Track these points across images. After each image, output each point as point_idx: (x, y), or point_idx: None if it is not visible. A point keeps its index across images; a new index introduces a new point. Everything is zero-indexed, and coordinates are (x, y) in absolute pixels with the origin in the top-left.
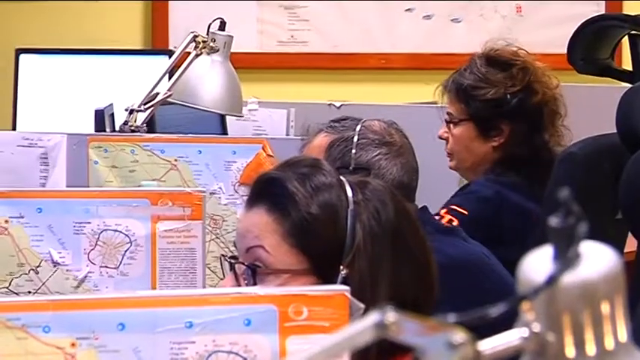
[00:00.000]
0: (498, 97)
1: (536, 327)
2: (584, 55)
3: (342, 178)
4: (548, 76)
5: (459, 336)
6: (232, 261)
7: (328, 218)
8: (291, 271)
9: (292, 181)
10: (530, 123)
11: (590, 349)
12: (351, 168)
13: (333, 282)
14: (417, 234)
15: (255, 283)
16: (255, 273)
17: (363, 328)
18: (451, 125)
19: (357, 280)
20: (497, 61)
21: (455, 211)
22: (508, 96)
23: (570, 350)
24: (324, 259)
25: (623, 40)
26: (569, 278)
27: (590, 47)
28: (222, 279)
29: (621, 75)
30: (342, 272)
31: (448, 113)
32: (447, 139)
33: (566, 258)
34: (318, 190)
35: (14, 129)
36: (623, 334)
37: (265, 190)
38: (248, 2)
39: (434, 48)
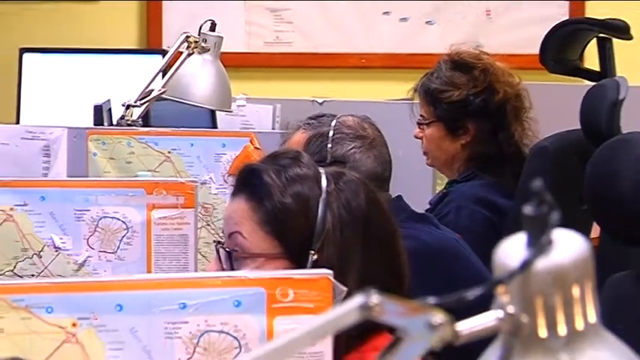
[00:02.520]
0: (462, 98)
1: (511, 309)
2: (555, 56)
3: (319, 169)
4: (510, 75)
5: (439, 317)
6: (218, 246)
7: (300, 207)
8: (266, 255)
9: (269, 173)
10: (494, 120)
11: (562, 329)
12: (328, 161)
13: (305, 266)
14: (388, 223)
15: (232, 266)
16: (232, 256)
17: (348, 309)
18: (423, 126)
19: (326, 264)
20: (461, 65)
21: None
22: (471, 97)
23: (543, 331)
24: (296, 245)
25: (592, 41)
26: (542, 263)
27: (560, 49)
28: None
29: (590, 75)
30: (313, 257)
31: (420, 115)
32: (421, 139)
33: (539, 244)
34: (293, 181)
35: (18, 123)
36: (592, 316)
37: (245, 181)
38: (236, 5)
39: (409, 48)
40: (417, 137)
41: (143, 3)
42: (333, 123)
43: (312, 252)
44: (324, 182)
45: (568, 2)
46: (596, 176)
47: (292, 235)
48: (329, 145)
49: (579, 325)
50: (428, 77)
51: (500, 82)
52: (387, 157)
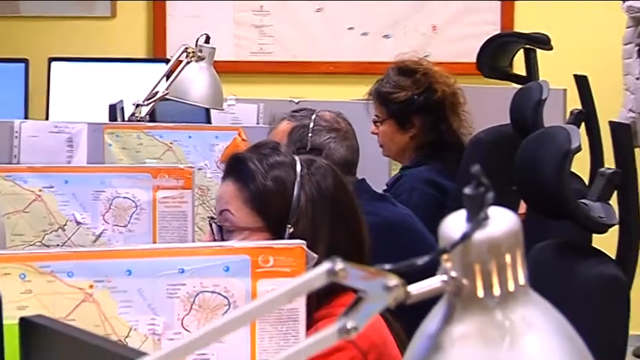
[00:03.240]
0: (408, 98)
1: (454, 273)
2: (489, 64)
3: (295, 157)
4: (446, 77)
5: (393, 280)
6: (211, 221)
7: (278, 189)
8: (250, 229)
9: (253, 160)
10: (435, 114)
11: (496, 290)
12: (307, 149)
13: (282, 237)
14: (352, 202)
15: (222, 238)
16: (222, 229)
17: (318, 273)
18: (378, 124)
19: (300, 236)
20: (405, 71)
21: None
22: (415, 96)
23: (480, 292)
24: (275, 220)
25: (519, 51)
26: (479, 235)
27: (493, 58)
28: None
29: (518, 79)
30: (289, 230)
31: (375, 115)
32: (377, 134)
33: (476, 219)
34: (272, 167)
35: (47, 119)
36: (521, 278)
37: (233, 167)
38: (227, 22)
39: (370, 58)
40: (373, 133)
41: (150, 20)
42: (313, 116)
43: (289, 226)
44: (298, 168)
45: (500, 18)
46: (523, 162)
47: (272, 211)
48: (309, 135)
49: (511, 286)
50: (379, 83)
51: (439, 82)
52: (356, 146)
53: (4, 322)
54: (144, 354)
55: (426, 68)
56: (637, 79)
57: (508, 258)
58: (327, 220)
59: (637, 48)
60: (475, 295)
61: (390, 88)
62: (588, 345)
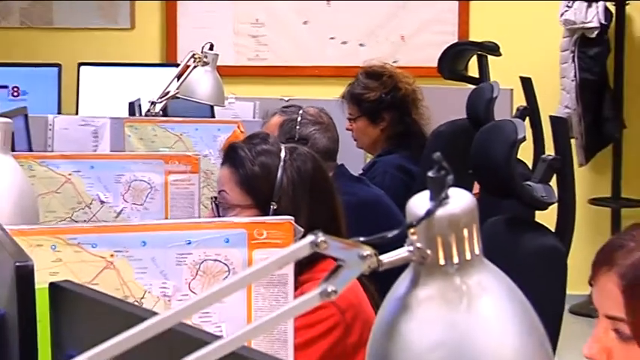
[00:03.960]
0: (377, 97)
1: (419, 245)
2: (448, 68)
3: (280, 145)
4: (407, 77)
5: (367, 250)
6: (213, 200)
7: (264, 173)
8: (241, 206)
9: (243, 149)
10: (401, 109)
11: (455, 259)
12: (295, 139)
13: (268, 214)
14: (329, 184)
15: (219, 214)
16: (219, 207)
17: (302, 244)
18: (352, 121)
19: (282, 212)
20: (372, 74)
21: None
22: (383, 95)
23: (442, 260)
24: (262, 199)
25: (473, 57)
26: (441, 212)
27: (452, 62)
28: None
29: (472, 80)
30: (273, 207)
31: (349, 113)
32: (352, 130)
33: (438, 198)
34: (259, 154)
35: (77, 114)
36: (477, 249)
37: (228, 154)
38: (228, 32)
39: (348, 63)
40: (348, 129)
41: (163, 31)
42: (300, 112)
43: (273, 204)
44: (282, 155)
45: (457, 30)
46: (477, 150)
47: (258, 191)
48: (297, 127)
49: (468, 256)
50: (351, 86)
51: (402, 82)
52: (336, 137)
53: (37, 286)
54: (156, 313)
55: (391, 71)
56: (572, 80)
57: (465, 232)
58: (307, 198)
59: (572, 55)
60: (437, 263)
61: (361, 90)
62: (533, 305)
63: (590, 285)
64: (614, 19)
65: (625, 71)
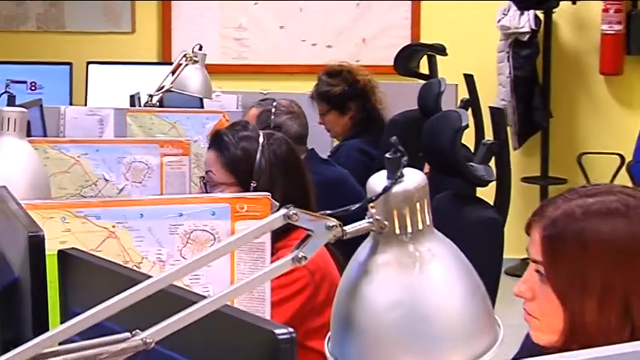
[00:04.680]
0: (340, 91)
1: (378, 217)
2: (402, 66)
3: (259, 132)
4: (361, 70)
5: (333, 222)
6: (201, 179)
7: (245, 155)
8: (225, 184)
9: (227, 135)
10: (362, 98)
11: (409, 229)
12: (271, 126)
13: (249, 190)
14: (300, 165)
15: (206, 191)
16: (206, 185)
17: (277, 216)
18: (323, 116)
19: (261, 189)
20: (333, 73)
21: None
22: (346, 88)
23: (397, 230)
24: (243, 178)
25: (424, 57)
26: (397, 189)
27: (406, 61)
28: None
29: (423, 76)
30: (253, 184)
31: (319, 109)
32: (324, 124)
33: (394, 177)
34: (241, 140)
35: (85, 105)
36: (428, 220)
37: (214, 140)
38: (215, 35)
39: (318, 62)
40: (320, 123)
41: (160, 34)
42: (274, 103)
43: (253, 182)
44: (261, 140)
45: (410, 33)
46: (428, 136)
47: (240, 171)
48: (272, 117)
49: (420, 226)
50: (316, 87)
51: (359, 75)
52: (305, 124)
53: (47, 252)
54: (151, 277)
55: (348, 67)
56: (507, 77)
57: (418, 205)
58: (282, 177)
59: (507, 55)
60: (394, 233)
61: (327, 87)
62: (475, 268)
63: (528, 235)
64: (542, 25)
65: (552, 69)
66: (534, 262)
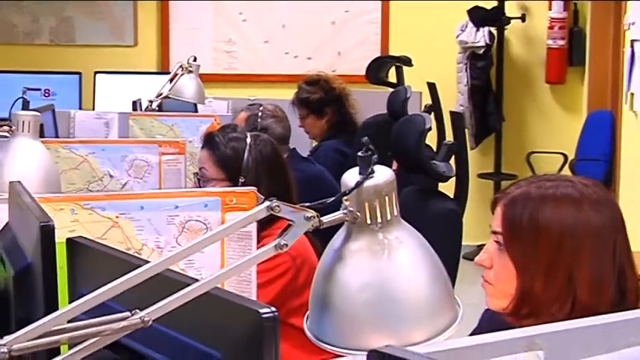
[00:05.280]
0: (319, 97)
1: (351, 208)
2: (373, 75)
3: (247, 133)
4: (336, 78)
5: (311, 213)
6: (195, 175)
7: (234, 154)
8: (217, 179)
9: (219, 136)
10: (337, 103)
11: (379, 219)
12: (258, 129)
13: (237, 185)
14: (283, 163)
15: (200, 185)
16: (200, 180)
17: (261, 208)
18: (303, 119)
19: (248, 184)
20: (311, 81)
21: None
22: (323, 95)
23: (368, 220)
24: (233, 174)
25: (392, 67)
26: (368, 183)
27: (376, 71)
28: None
29: (392, 85)
30: (241, 180)
31: (299, 113)
32: (303, 127)
33: (366, 173)
34: (230, 140)
35: (93, 110)
36: (395, 211)
37: (207, 140)
38: (208, 49)
39: (298, 72)
40: (300, 127)
41: (159, 47)
42: (261, 108)
43: (241, 178)
44: (248, 140)
45: (380, 48)
46: (396, 137)
47: (230, 169)
48: (259, 120)
49: (388, 217)
50: (296, 94)
51: (335, 83)
52: (288, 126)
53: (57, 240)
54: (150, 262)
55: (325, 77)
56: (465, 85)
57: (386, 198)
58: (267, 174)
59: (465, 66)
60: (365, 223)
61: (306, 94)
62: (437, 253)
63: (492, 211)
64: (496, 40)
65: (504, 79)
66: (495, 233)
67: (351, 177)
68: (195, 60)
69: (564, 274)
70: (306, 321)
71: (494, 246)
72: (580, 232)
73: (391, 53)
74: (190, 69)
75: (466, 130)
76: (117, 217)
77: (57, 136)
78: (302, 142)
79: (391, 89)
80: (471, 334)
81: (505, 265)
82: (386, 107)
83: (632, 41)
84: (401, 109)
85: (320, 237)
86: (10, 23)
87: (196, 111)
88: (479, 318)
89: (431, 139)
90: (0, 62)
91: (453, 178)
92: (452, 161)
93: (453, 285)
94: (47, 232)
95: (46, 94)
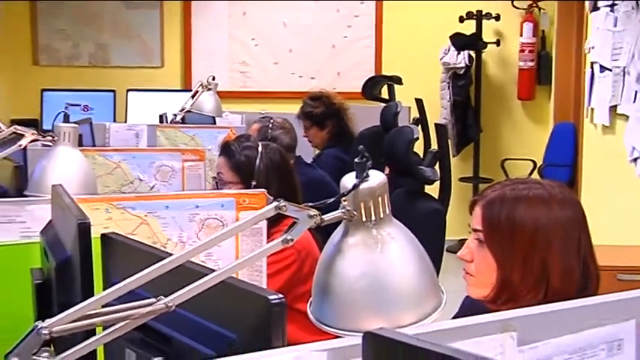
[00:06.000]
0: (321, 111)
1: (349, 208)
2: (368, 92)
3: (258, 143)
4: (336, 95)
5: (314, 212)
6: (213, 179)
7: (247, 161)
8: (232, 183)
9: (234, 145)
10: (336, 117)
11: (373, 217)
12: (268, 139)
13: (250, 188)
14: (290, 169)
15: (217, 188)
16: (218, 184)
17: (270, 207)
18: (307, 130)
19: (259, 187)
20: (315, 97)
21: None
22: (324, 109)
23: (364, 218)
24: (246, 178)
25: (385, 85)
26: (363, 186)
27: (371, 89)
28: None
29: (385, 100)
30: (254, 184)
31: (304, 125)
32: (307, 137)
33: (362, 177)
34: (244, 149)
35: (125, 122)
36: (387, 211)
37: (223, 148)
38: (225, 70)
39: (303, 89)
40: (304, 136)
41: (182, 68)
42: (271, 120)
43: (253, 181)
44: (260, 149)
45: (374, 67)
46: (388, 146)
47: (244, 173)
48: (269, 131)
49: (381, 215)
50: (301, 108)
51: (335, 99)
52: (295, 137)
53: (93, 236)
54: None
55: (326, 93)
56: (448, 101)
57: (380, 199)
58: (275, 178)
59: (447, 84)
60: (361, 220)
61: (310, 109)
62: (424, 248)
63: (470, 212)
64: (474, 62)
65: (481, 95)
66: (475, 230)
67: (348, 180)
68: (213, 79)
69: (539, 264)
70: (310, 306)
71: (475, 242)
72: (550, 227)
73: (384, 73)
74: (209, 87)
75: (449, 140)
76: (145, 215)
77: (94, 145)
78: (306, 151)
79: (384, 104)
80: (453, 318)
81: (485, 258)
82: (379, 120)
83: (592, 63)
84: (392, 122)
85: (321, 233)
86: (55, 48)
87: (214, 123)
88: (460, 303)
89: (418, 148)
90: (46, 82)
91: (438, 182)
92: (437, 167)
93: (438, 275)
94: (84, 229)
95: (85, 109)
